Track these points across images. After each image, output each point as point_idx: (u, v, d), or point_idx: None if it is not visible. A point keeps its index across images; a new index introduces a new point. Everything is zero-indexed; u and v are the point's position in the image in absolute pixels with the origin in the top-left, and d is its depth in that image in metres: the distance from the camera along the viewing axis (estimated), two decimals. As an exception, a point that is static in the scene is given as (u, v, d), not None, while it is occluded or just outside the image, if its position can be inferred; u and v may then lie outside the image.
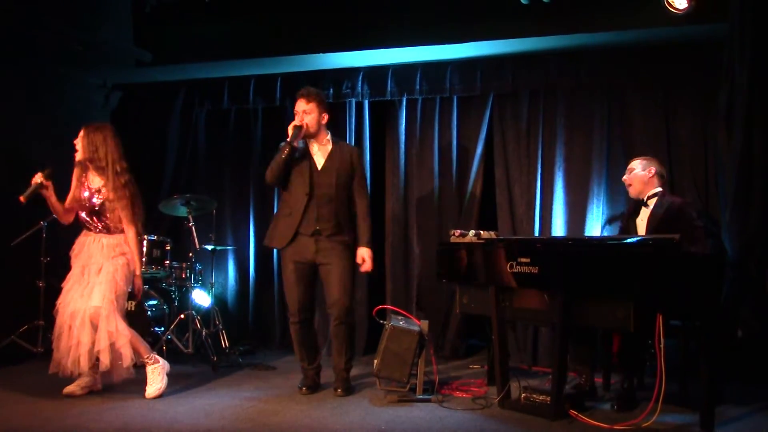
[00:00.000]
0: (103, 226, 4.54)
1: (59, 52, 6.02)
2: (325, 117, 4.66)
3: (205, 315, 5.79)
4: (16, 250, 5.41)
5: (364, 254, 4.64)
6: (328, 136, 4.69)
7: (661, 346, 3.57)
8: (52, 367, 4.37)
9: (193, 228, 5.64)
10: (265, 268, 6.48)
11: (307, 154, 4.61)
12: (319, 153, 4.63)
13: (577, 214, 5.55)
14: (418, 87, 6.04)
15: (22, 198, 4.42)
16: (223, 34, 6.08)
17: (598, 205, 5.48)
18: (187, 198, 5.66)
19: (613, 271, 3.71)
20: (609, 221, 5.44)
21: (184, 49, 6.23)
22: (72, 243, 4.63)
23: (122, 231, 4.55)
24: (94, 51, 6.21)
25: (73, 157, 4.56)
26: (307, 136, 4.59)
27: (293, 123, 4.57)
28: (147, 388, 4.47)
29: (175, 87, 6.72)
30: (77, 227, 4.63)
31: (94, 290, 4.35)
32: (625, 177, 4.66)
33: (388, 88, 6.11)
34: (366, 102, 6.21)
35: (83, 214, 4.57)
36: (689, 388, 4.23)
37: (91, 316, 4.29)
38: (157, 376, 4.50)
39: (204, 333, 5.51)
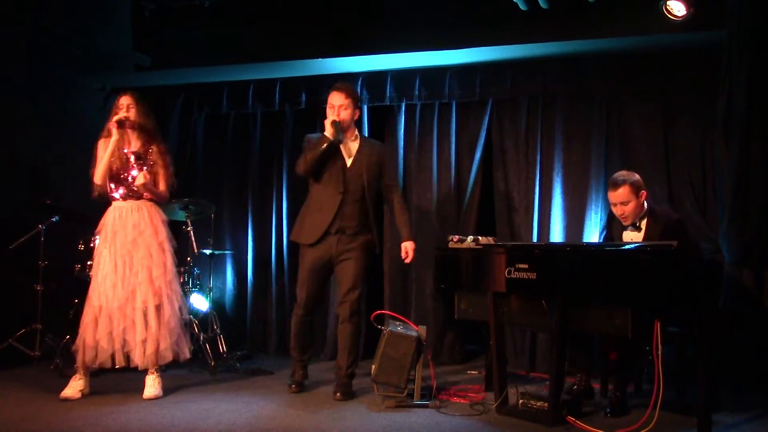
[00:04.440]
0: (137, 190, 4.59)
1: (58, 57, 6.03)
2: (357, 113, 4.72)
3: (203, 319, 5.78)
4: (13, 253, 5.40)
5: (408, 247, 4.73)
6: (356, 132, 4.73)
7: (659, 352, 3.58)
8: (89, 360, 4.42)
9: (192, 232, 5.65)
10: (263, 274, 6.47)
11: (337, 151, 4.62)
12: (348, 150, 4.66)
13: (575, 220, 5.56)
14: (417, 92, 6.04)
15: (112, 125, 4.51)
16: (223, 38, 6.10)
17: (597, 211, 5.49)
18: (186, 202, 5.66)
19: (611, 277, 3.72)
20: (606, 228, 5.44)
21: (183, 54, 6.24)
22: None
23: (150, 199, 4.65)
24: (93, 55, 6.23)
25: (115, 121, 4.53)
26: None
27: (331, 118, 4.57)
28: (146, 389, 4.50)
29: (174, 91, 6.72)
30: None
31: (159, 281, 4.48)
32: (617, 210, 4.39)
33: (387, 94, 6.12)
34: (365, 107, 6.22)
35: (123, 178, 4.58)
36: (687, 395, 4.23)
37: (163, 311, 4.45)
38: (156, 384, 4.54)
39: (202, 338, 5.50)
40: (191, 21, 6.19)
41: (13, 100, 5.72)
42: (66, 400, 4.40)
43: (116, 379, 4.86)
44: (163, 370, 4.74)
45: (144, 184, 4.56)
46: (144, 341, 4.42)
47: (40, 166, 5.74)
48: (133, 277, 4.45)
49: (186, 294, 5.71)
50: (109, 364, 4.46)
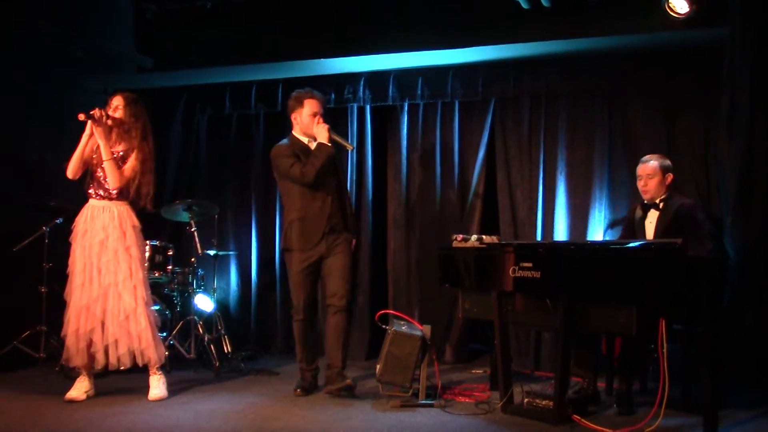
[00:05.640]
0: (110, 191, 4.51)
1: (60, 58, 6.03)
2: None
3: (208, 320, 5.79)
4: (18, 255, 5.41)
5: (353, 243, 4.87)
6: None
7: (664, 350, 3.57)
8: (67, 360, 4.44)
9: (195, 233, 5.65)
10: (267, 274, 6.48)
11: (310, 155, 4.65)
12: None
13: (579, 219, 5.56)
14: (419, 92, 6.04)
15: (81, 115, 4.41)
16: (225, 39, 6.10)
17: (600, 209, 5.49)
18: (189, 203, 5.66)
19: (615, 275, 3.72)
20: (611, 225, 5.45)
21: (185, 55, 6.24)
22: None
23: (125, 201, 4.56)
24: (95, 57, 6.23)
25: (97, 115, 4.42)
26: (310, 135, 4.70)
27: (326, 126, 4.64)
28: (150, 390, 4.50)
29: (176, 93, 6.73)
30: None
31: (120, 285, 4.40)
32: (641, 183, 4.59)
33: (390, 93, 6.12)
34: (368, 107, 6.22)
35: (97, 177, 4.53)
36: (692, 393, 4.22)
37: (126, 317, 4.37)
38: (161, 385, 4.53)
39: (206, 338, 5.51)
40: (193, 22, 6.18)
41: (15, 102, 5.72)
42: (71, 401, 4.40)
43: (121, 380, 4.86)
44: (168, 370, 4.75)
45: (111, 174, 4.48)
46: (114, 343, 4.37)
47: (43, 168, 5.74)
48: (101, 279, 4.41)
49: (191, 294, 5.73)
50: (80, 364, 4.44)
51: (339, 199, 4.70)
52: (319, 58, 5.81)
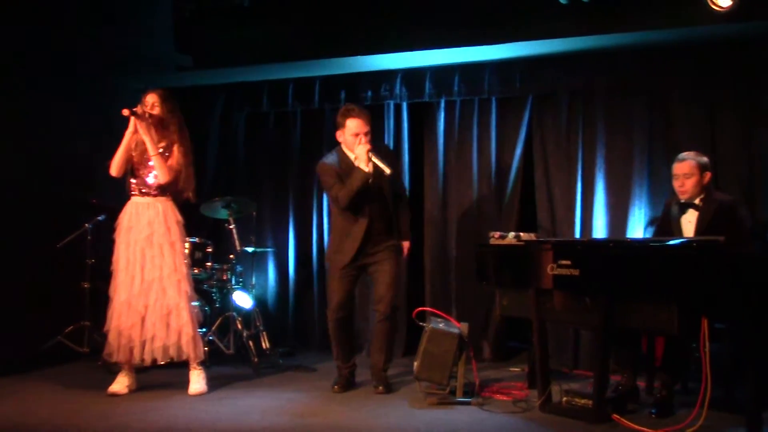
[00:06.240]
0: (154, 187, 4.59)
1: (101, 58, 6.13)
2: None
3: (246, 317, 5.84)
4: (61, 252, 5.52)
5: (405, 245, 4.89)
6: None
7: (706, 349, 3.52)
8: (109, 355, 4.51)
9: (234, 230, 5.69)
10: (305, 271, 6.51)
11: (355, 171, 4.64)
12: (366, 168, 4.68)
13: (618, 216, 5.49)
14: (456, 89, 6.02)
15: (125, 111, 4.49)
16: (262, 37, 6.13)
17: (640, 206, 5.41)
18: (228, 200, 5.71)
19: (656, 273, 3.66)
20: (651, 223, 5.37)
21: (223, 54, 6.30)
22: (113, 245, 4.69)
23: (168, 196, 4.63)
24: (135, 57, 6.32)
25: (137, 112, 4.52)
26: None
27: (366, 148, 4.58)
28: (191, 385, 4.57)
29: (215, 91, 6.80)
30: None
31: (165, 279, 4.47)
32: (677, 183, 4.45)
33: (426, 90, 6.11)
34: (404, 104, 6.22)
35: (140, 174, 4.60)
36: (735, 393, 4.15)
37: (169, 311, 4.45)
38: (201, 380, 4.60)
39: (245, 334, 5.56)
40: (231, 21, 6.23)
41: (58, 102, 5.82)
42: (113, 395, 4.49)
43: (162, 375, 4.94)
44: (208, 366, 4.81)
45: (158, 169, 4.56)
46: (151, 339, 4.44)
47: (86, 167, 5.84)
48: (145, 275, 4.48)
49: (229, 291, 5.79)
50: (121, 359, 4.52)
51: (382, 212, 4.68)
52: (356, 55, 5.82)
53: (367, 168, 4.55)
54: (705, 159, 4.46)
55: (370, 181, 4.58)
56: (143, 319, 4.45)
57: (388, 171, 4.54)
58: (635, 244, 4.49)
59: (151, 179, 4.59)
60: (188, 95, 6.83)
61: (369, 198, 4.64)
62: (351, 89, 6.29)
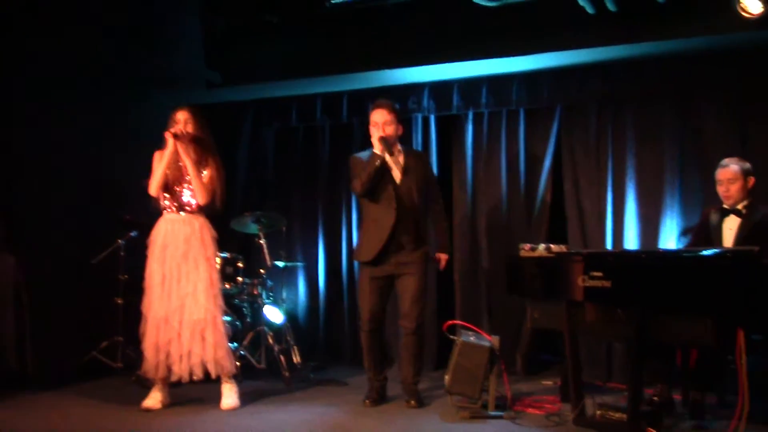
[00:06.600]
0: (189, 203, 4.64)
1: (132, 76, 6.22)
2: (401, 129, 4.78)
3: (277, 331, 5.86)
4: (95, 267, 5.60)
5: (442, 258, 4.91)
6: (399, 147, 4.78)
7: (743, 361, 3.46)
8: (147, 371, 4.54)
9: (264, 245, 5.73)
10: (335, 285, 6.54)
11: (385, 168, 4.67)
12: (395, 166, 4.71)
13: (650, 227, 5.43)
14: (484, 101, 6.02)
15: (168, 135, 4.59)
16: (291, 53, 6.19)
17: (672, 217, 5.35)
18: (258, 215, 5.76)
19: (690, 284, 3.61)
20: (684, 233, 5.30)
21: (252, 70, 6.36)
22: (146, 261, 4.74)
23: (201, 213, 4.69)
24: (167, 74, 6.41)
25: (178, 134, 4.60)
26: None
27: (379, 134, 4.64)
28: (223, 400, 4.59)
29: (244, 106, 6.87)
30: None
31: (201, 293, 4.51)
32: (722, 188, 4.45)
33: (454, 103, 6.12)
34: (432, 117, 6.23)
35: (176, 190, 4.65)
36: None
37: (205, 326, 4.48)
38: (233, 394, 4.62)
39: (276, 349, 5.58)
40: (260, 37, 6.30)
41: (91, 119, 5.89)
42: (147, 410, 4.52)
43: (194, 389, 4.96)
44: (240, 380, 4.83)
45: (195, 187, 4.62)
46: (188, 354, 4.47)
47: (119, 183, 5.92)
48: (180, 290, 4.52)
49: (260, 306, 5.82)
50: (160, 375, 4.54)
51: (411, 216, 4.67)
52: (383, 69, 5.84)
53: (380, 152, 4.60)
54: (748, 164, 4.46)
55: (379, 163, 4.56)
56: (179, 335, 4.49)
57: (380, 152, 4.59)
58: (668, 254, 4.43)
59: (186, 196, 4.65)
60: (218, 111, 6.91)
61: (395, 196, 4.63)
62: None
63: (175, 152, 4.61)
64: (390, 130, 4.67)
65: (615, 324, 3.98)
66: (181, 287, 4.52)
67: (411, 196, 4.68)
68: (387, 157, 4.65)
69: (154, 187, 4.62)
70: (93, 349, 5.58)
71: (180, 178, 4.65)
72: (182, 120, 4.69)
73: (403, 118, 6.15)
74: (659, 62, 5.44)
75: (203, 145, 4.71)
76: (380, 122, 4.67)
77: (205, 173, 4.65)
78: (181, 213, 4.65)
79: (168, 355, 4.50)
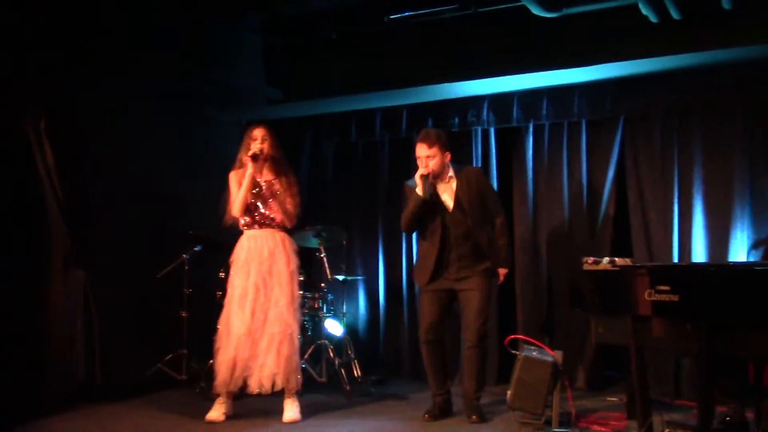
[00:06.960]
0: (270, 219, 4.73)
1: (195, 94, 6.36)
2: (448, 156, 4.73)
3: (338, 344, 5.88)
4: (161, 282, 5.71)
5: (501, 272, 4.84)
6: (451, 172, 4.74)
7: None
8: (220, 386, 4.57)
9: (325, 259, 5.76)
10: (394, 299, 6.53)
11: (435, 197, 4.65)
12: (446, 193, 4.69)
13: (718, 240, 5.27)
14: (544, 112, 5.95)
15: (247, 158, 4.66)
16: (350, 69, 6.25)
17: (743, 229, 5.18)
18: (319, 229, 5.79)
19: (763, 298, 3.49)
20: (755, 246, 5.13)
21: (312, 86, 6.45)
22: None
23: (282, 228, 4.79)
24: (229, 92, 6.55)
25: (258, 155, 4.68)
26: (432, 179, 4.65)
27: (419, 172, 4.61)
28: (285, 413, 4.62)
29: (304, 123, 6.95)
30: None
31: (283, 307, 4.58)
32: None
33: (514, 115, 6.06)
34: (492, 130, 6.19)
35: (256, 207, 4.72)
36: None
37: (282, 339, 4.53)
38: (295, 407, 4.65)
39: (337, 362, 5.59)
40: (320, 53, 6.38)
41: (156, 137, 6.02)
42: (211, 422, 4.57)
43: (256, 402, 5.00)
44: (301, 394, 4.86)
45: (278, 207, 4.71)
46: (261, 366, 4.50)
47: (184, 199, 6.04)
48: (264, 304, 4.58)
49: (321, 319, 5.85)
50: (231, 389, 4.58)
51: (463, 237, 4.63)
52: (442, 82, 5.84)
53: (421, 193, 4.57)
54: None
55: (426, 200, 4.55)
56: (257, 349, 4.54)
57: (420, 193, 4.56)
58: (739, 266, 4.29)
59: (267, 211, 4.73)
60: (278, 127, 6.99)
61: (441, 223, 4.64)
62: (438, 116, 6.30)
63: (255, 173, 4.68)
64: (434, 163, 4.61)
65: (683, 339, 3.86)
66: (265, 301, 4.59)
67: (464, 222, 4.65)
68: (439, 186, 4.67)
69: (236, 208, 4.69)
70: (158, 362, 5.69)
71: (258, 195, 4.73)
72: (259, 137, 4.76)
73: (463, 131, 6.19)
74: (726, 70, 5.29)
75: (279, 164, 4.80)
76: (423, 156, 4.63)
77: (285, 193, 4.76)
78: (265, 228, 4.74)
79: (246, 369, 4.53)
